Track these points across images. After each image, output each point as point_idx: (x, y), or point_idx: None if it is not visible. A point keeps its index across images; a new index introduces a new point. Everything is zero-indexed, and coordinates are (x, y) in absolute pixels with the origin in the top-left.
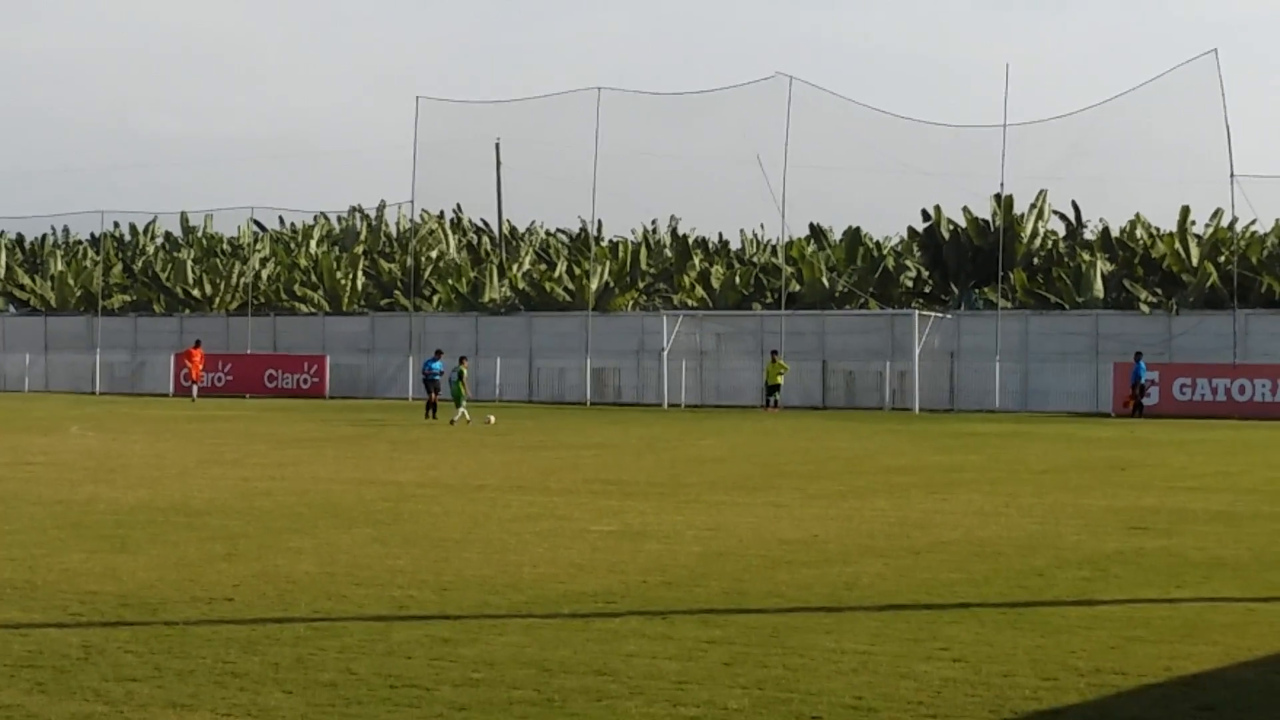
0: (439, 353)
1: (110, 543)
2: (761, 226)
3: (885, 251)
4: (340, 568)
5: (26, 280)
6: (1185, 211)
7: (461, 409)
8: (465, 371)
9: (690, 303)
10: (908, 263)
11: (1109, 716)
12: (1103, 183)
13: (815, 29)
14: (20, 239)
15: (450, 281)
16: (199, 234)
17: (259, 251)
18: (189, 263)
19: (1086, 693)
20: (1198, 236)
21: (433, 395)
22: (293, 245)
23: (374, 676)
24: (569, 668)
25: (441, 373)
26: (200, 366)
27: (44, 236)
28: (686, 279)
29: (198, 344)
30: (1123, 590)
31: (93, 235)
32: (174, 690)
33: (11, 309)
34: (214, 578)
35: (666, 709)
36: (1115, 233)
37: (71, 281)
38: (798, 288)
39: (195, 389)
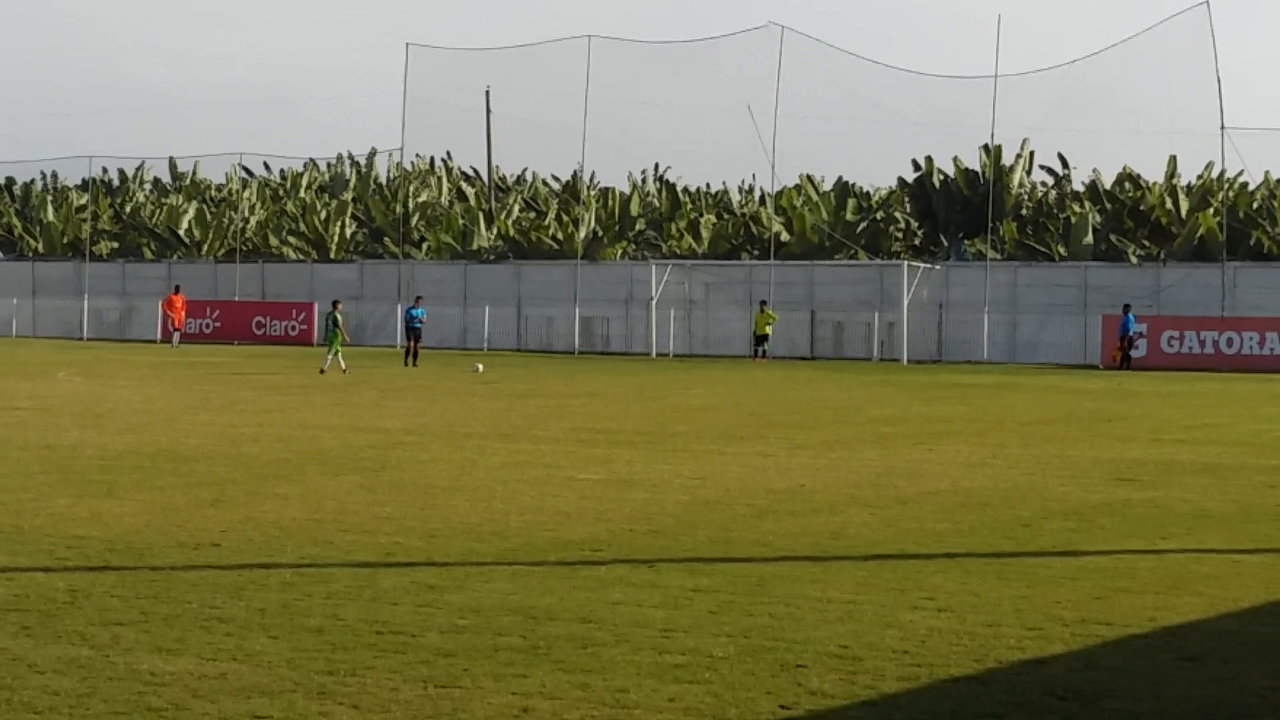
0: (419, 299)
1: (97, 488)
2: (753, 176)
3: (874, 202)
4: (327, 514)
5: (15, 224)
6: (1172, 162)
7: (333, 355)
8: (340, 317)
9: (679, 252)
10: (897, 214)
11: (1093, 666)
12: (1093, 134)
13: None
14: (9, 183)
15: (439, 229)
16: (187, 180)
17: (247, 198)
18: (178, 209)
19: (1071, 643)
20: (1186, 188)
21: (412, 342)
22: (281, 192)
23: (360, 622)
24: (555, 615)
25: (422, 320)
26: (182, 313)
27: (32, 181)
28: (675, 228)
29: (178, 290)
30: (1108, 541)
31: (82, 180)
32: (160, 635)
33: (0, 254)
34: (201, 523)
35: (652, 656)
36: (1105, 185)
37: (60, 226)
38: (787, 238)
39: (177, 336)
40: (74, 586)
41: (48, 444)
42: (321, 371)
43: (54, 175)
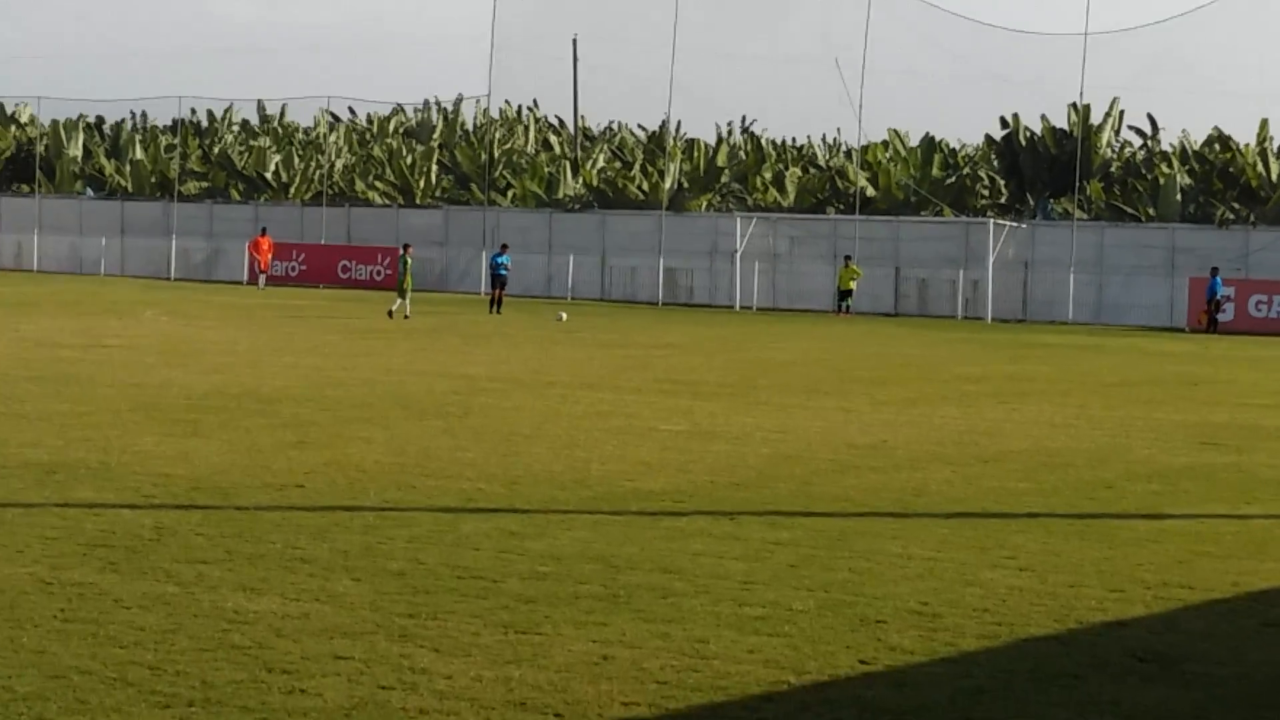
0: (504, 246)
1: (183, 427)
2: (839, 131)
3: (961, 159)
4: (410, 459)
5: (105, 164)
6: (1264, 125)
7: (403, 300)
8: (410, 260)
9: (764, 205)
10: (983, 171)
11: (1175, 629)
12: (1183, 95)
13: None
14: (99, 122)
15: (525, 177)
16: (275, 123)
17: (334, 142)
18: (265, 150)
19: (1153, 605)
20: (1278, 151)
21: (498, 290)
22: (368, 137)
23: (441, 567)
24: (635, 564)
25: (508, 267)
26: (269, 255)
27: (122, 121)
28: (761, 181)
29: (264, 232)
30: (1192, 505)
31: (171, 121)
32: (244, 574)
33: (89, 192)
34: (285, 464)
35: (732, 608)
36: (1194, 146)
37: (149, 166)
38: (872, 193)
39: (263, 278)
40: (160, 524)
41: (135, 382)
42: (390, 314)
43: (143, 115)
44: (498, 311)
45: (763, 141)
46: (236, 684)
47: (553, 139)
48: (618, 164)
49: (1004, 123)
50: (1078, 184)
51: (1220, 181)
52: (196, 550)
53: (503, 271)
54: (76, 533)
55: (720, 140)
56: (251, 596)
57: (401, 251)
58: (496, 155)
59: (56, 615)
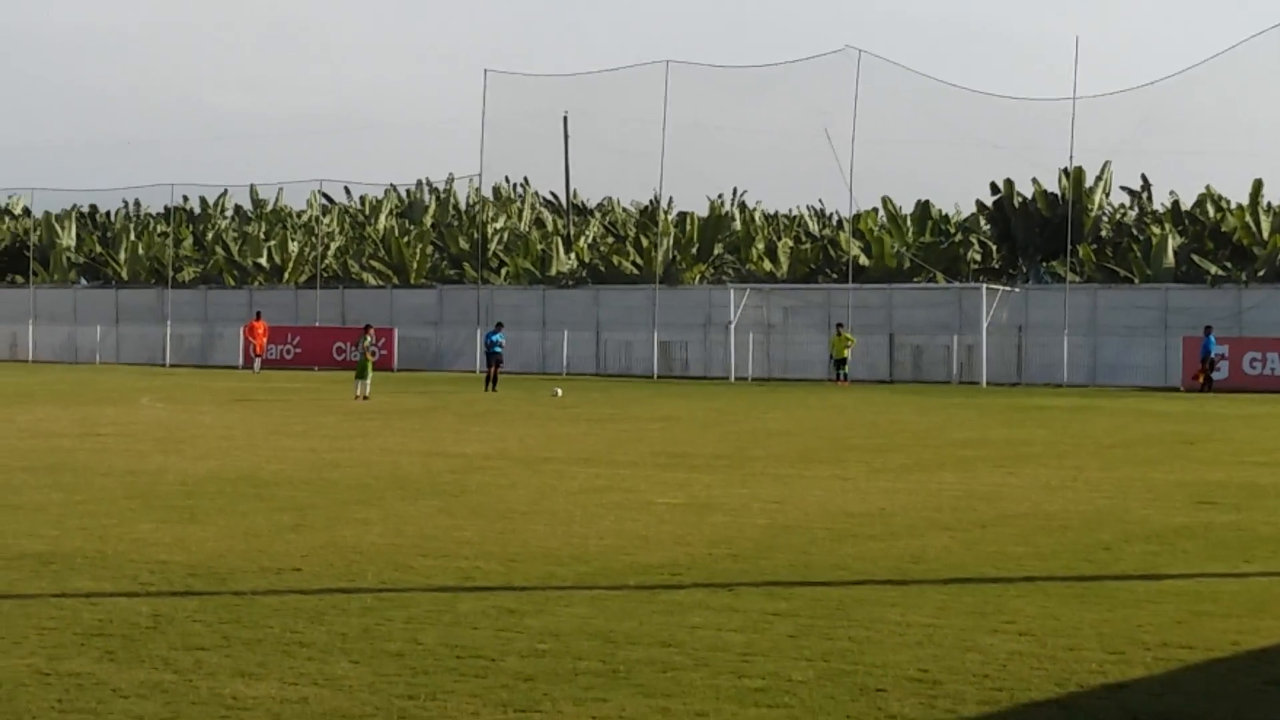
0: (500, 325)
1: (179, 513)
2: (819, 201)
3: (953, 225)
4: (407, 539)
5: (99, 253)
6: (1258, 185)
7: (363, 381)
8: (368, 339)
9: (758, 275)
10: (975, 237)
11: (1175, 690)
12: (1173, 156)
13: (884, 1)
14: (93, 211)
15: (518, 255)
16: (268, 208)
17: (328, 225)
18: (259, 237)
19: (1153, 667)
20: (1270, 209)
21: (493, 368)
22: (361, 218)
23: (440, 647)
24: (634, 639)
25: (502, 344)
26: (264, 339)
27: (115, 210)
28: (754, 252)
29: (259, 316)
30: (1190, 565)
31: (164, 208)
32: (242, 659)
33: (84, 281)
34: (282, 548)
35: (731, 680)
36: (1185, 206)
37: (143, 254)
38: (865, 262)
39: (258, 362)
40: (157, 611)
41: (131, 469)
42: (365, 398)
43: (136, 203)
44: (494, 389)
45: (755, 212)
46: None
47: (545, 215)
48: (610, 239)
49: (995, 188)
50: (1069, 247)
51: (1211, 241)
52: (194, 637)
53: (498, 349)
54: (73, 622)
55: (712, 212)
56: (250, 682)
57: (362, 333)
58: (489, 234)
59: (54, 706)
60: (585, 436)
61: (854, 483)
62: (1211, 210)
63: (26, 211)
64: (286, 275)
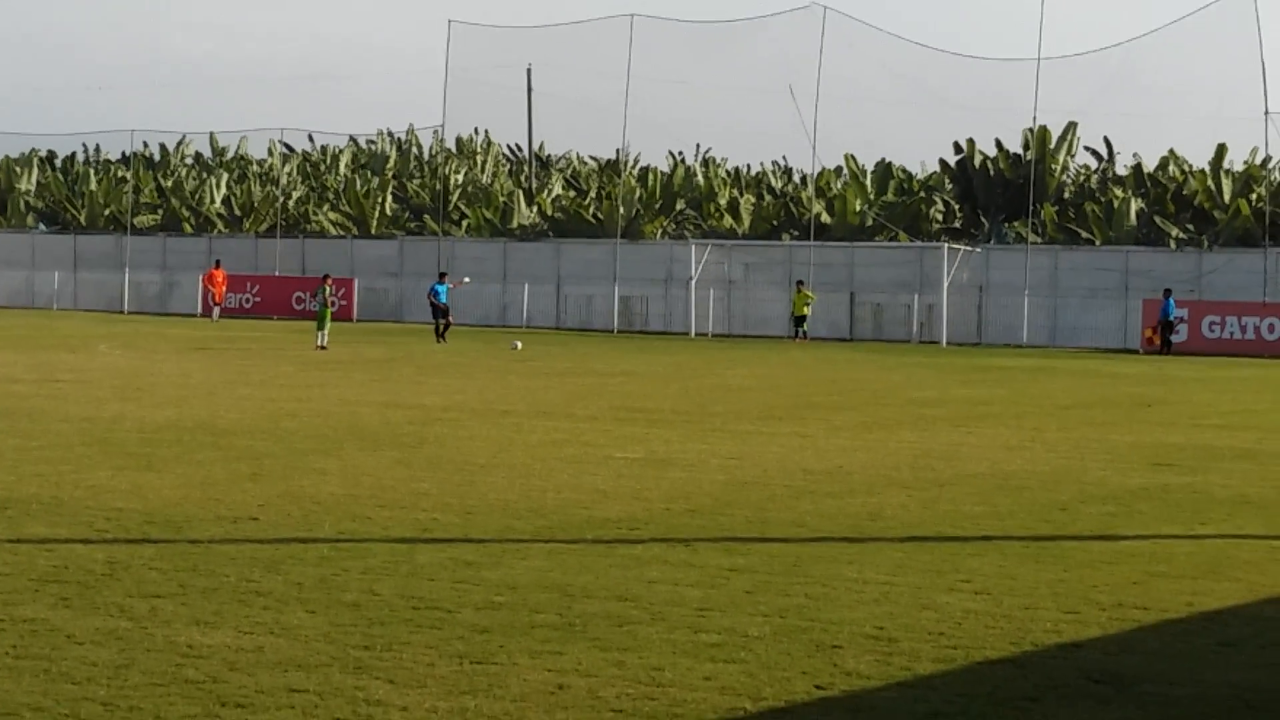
0: (443, 275)
1: (136, 461)
2: (783, 158)
3: (916, 184)
4: (365, 490)
5: (64, 196)
6: (1221, 149)
7: (322, 330)
8: (328, 289)
9: (719, 232)
10: (937, 196)
11: (1130, 650)
12: (1136, 118)
13: None
14: (51, 156)
15: (479, 207)
16: (228, 155)
17: (288, 173)
18: (219, 183)
19: (1108, 626)
20: (1231, 173)
21: (441, 320)
22: (322, 168)
23: (397, 598)
24: (591, 593)
25: (445, 295)
26: (223, 288)
27: (74, 154)
28: (716, 208)
29: (218, 264)
30: (1146, 526)
31: (124, 154)
32: (198, 607)
33: (41, 226)
34: (239, 497)
35: (687, 635)
36: (1148, 169)
37: (102, 200)
38: (828, 219)
39: (217, 310)
40: (113, 558)
41: (87, 417)
42: (324, 348)
43: (96, 148)
44: (442, 341)
45: (718, 168)
46: (190, 718)
47: (507, 168)
48: (572, 193)
49: (958, 148)
50: (1031, 207)
51: (1173, 204)
52: (149, 584)
53: (443, 300)
54: (28, 568)
55: (675, 167)
56: (205, 630)
57: (320, 282)
58: (451, 185)
59: (8, 652)
60: (544, 390)
61: (812, 440)
62: (1175, 173)
63: None
64: (247, 224)
